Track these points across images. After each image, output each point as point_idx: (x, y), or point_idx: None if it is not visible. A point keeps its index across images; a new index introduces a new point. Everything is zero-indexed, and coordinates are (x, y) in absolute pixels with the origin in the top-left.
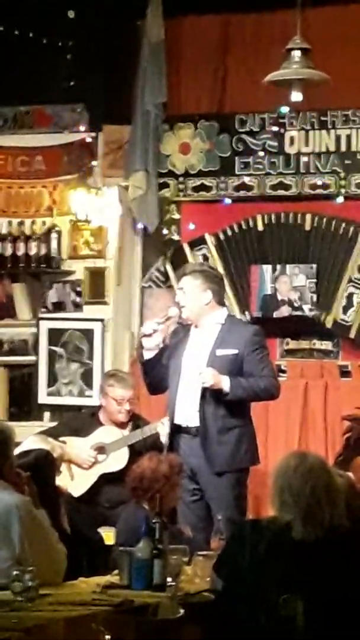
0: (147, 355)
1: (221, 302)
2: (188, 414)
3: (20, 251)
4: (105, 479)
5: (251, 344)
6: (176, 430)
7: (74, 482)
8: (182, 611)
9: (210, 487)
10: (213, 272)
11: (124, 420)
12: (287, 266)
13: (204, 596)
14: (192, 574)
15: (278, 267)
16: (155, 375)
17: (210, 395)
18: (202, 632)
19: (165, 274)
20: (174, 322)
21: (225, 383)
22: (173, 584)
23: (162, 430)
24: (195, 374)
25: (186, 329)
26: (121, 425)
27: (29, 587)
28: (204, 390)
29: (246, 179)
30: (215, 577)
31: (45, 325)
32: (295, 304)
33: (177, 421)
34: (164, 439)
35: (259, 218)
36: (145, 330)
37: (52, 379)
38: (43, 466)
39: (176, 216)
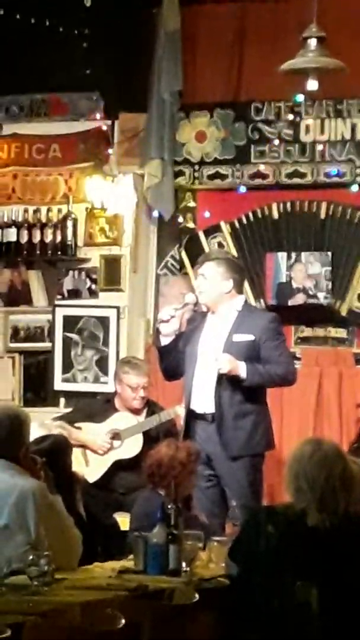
0: (164, 341)
1: (240, 291)
2: (204, 400)
3: (36, 239)
4: (120, 465)
5: (268, 330)
6: (192, 416)
7: (89, 467)
8: (197, 596)
9: (226, 473)
10: (235, 262)
11: (139, 407)
12: (302, 254)
13: (218, 581)
14: (206, 560)
15: (293, 255)
16: (172, 361)
17: (227, 381)
18: (217, 617)
19: (180, 262)
20: (191, 308)
21: (242, 369)
22: (188, 569)
23: (181, 414)
24: (212, 360)
25: (202, 315)
26: (136, 411)
27: (45, 572)
28: (221, 376)
29: (262, 167)
30: (230, 563)
31: (60, 312)
32: (310, 292)
33: (193, 407)
34: (181, 424)
35: (274, 206)
36: (162, 316)
37: (68, 366)
38: (59, 452)
39: (192, 204)
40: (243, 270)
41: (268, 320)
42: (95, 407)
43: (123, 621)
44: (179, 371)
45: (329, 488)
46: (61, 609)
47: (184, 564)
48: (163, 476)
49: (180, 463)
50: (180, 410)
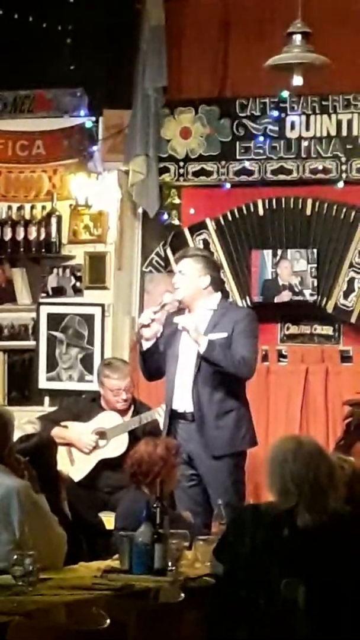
0: (146, 345)
1: (217, 289)
2: (185, 399)
3: (20, 236)
4: (105, 465)
5: (240, 325)
6: (173, 416)
7: (74, 467)
8: (182, 595)
9: (208, 472)
10: (213, 259)
11: (122, 408)
12: (288, 251)
13: (204, 580)
14: (192, 559)
15: (279, 252)
16: (153, 363)
17: (204, 380)
18: (203, 616)
19: (165, 259)
20: (172, 307)
21: (202, 340)
22: (173, 568)
23: (160, 417)
24: (191, 360)
25: (180, 315)
26: (122, 411)
27: (30, 572)
28: (197, 374)
29: (247, 164)
30: (215, 562)
31: (45, 310)
32: (296, 289)
33: (174, 407)
34: (162, 425)
35: (259, 203)
36: (143, 320)
37: (52, 364)
38: (44, 450)
39: (177, 201)
40: (220, 269)
41: (242, 315)
42: (81, 406)
43: (108, 621)
44: (160, 372)
45: (318, 487)
46: (46, 608)
47: (169, 563)
48: (145, 474)
49: (160, 458)
50: (161, 412)
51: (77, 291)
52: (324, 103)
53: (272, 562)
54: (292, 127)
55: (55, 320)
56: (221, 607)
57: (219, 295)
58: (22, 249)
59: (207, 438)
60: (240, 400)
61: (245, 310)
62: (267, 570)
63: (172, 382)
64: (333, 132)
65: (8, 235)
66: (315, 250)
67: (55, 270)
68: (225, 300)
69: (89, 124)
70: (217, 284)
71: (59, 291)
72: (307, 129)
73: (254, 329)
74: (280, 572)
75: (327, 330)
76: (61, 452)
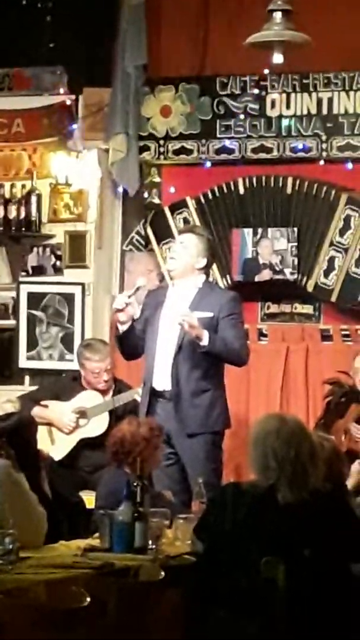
0: (122, 328)
1: (206, 273)
2: (164, 378)
3: (0, 214)
4: (86, 444)
5: (226, 309)
6: (153, 395)
7: (55, 446)
8: (163, 574)
9: (185, 450)
10: (213, 245)
11: (104, 389)
12: (269, 230)
13: (184, 559)
14: (173, 537)
15: (259, 230)
16: (130, 344)
17: (184, 357)
18: (183, 594)
19: (145, 238)
20: (152, 286)
21: (205, 334)
22: (154, 546)
23: (138, 397)
24: (172, 338)
25: (162, 293)
26: (103, 391)
27: (10, 550)
28: (178, 352)
29: (227, 142)
30: (195, 540)
31: (25, 289)
32: (277, 268)
33: (154, 385)
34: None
35: (240, 181)
36: (117, 305)
37: (33, 343)
38: (24, 430)
39: (157, 179)
40: (215, 256)
41: (227, 298)
42: (61, 385)
43: (89, 599)
44: (137, 352)
45: (299, 464)
46: (26, 587)
47: (150, 542)
48: (127, 453)
49: (143, 439)
50: (139, 393)
51: (57, 270)
52: (304, 81)
53: (253, 540)
54: (273, 105)
55: (35, 299)
56: (201, 585)
57: (204, 277)
58: (1, 228)
59: (182, 415)
60: (217, 381)
61: (230, 294)
62: (247, 549)
63: (152, 360)
64: (314, 111)
65: None
66: (295, 229)
67: (35, 249)
68: (208, 281)
69: (68, 102)
70: (208, 268)
71: (39, 270)
72: (288, 107)
73: (240, 313)
74: (260, 550)
75: (308, 309)
76: (41, 431)
